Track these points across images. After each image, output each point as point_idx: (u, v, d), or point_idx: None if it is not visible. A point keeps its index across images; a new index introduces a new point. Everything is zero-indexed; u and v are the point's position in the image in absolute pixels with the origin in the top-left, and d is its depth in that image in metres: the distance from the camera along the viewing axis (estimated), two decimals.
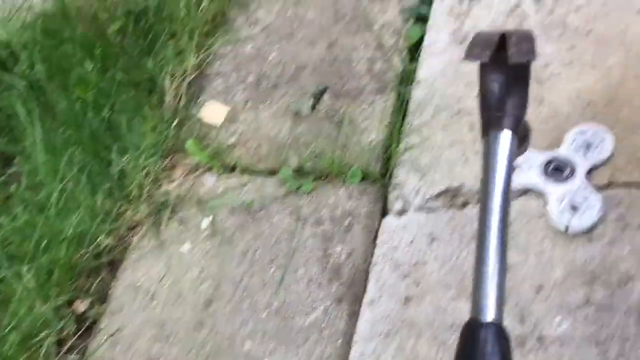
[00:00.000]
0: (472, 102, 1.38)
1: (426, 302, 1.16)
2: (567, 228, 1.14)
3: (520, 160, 1.24)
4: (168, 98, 1.56)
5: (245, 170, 1.45)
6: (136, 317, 1.31)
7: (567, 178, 1.18)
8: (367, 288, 1.22)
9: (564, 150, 1.22)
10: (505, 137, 0.87)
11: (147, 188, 1.44)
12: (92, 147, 1.49)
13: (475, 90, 1.40)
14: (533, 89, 1.36)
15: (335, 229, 1.32)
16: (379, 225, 1.29)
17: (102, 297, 1.36)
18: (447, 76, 1.44)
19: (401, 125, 1.41)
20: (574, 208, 1.15)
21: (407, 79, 1.48)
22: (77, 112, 1.53)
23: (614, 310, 1.05)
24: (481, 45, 0.85)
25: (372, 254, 1.26)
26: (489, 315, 0.70)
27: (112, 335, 1.29)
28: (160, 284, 1.34)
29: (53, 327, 1.28)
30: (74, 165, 1.45)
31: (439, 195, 1.28)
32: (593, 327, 1.04)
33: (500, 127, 0.88)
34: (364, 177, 1.37)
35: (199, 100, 1.60)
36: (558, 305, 1.08)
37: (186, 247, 1.37)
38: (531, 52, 0.84)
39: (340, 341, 1.18)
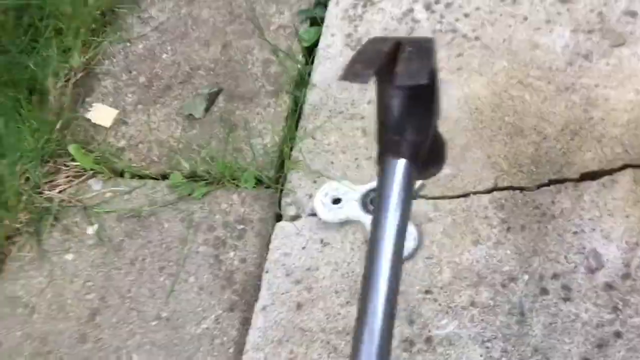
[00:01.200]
0: (365, 107, 1.39)
1: (318, 308, 1.15)
2: None
3: (341, 193, 1.26)
4: (51, 99, 1.48)
5: (135, 175, 1.40)
6: (15, 332, 1.23)
7: None
8: (260, 295, 1.20)
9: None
10: (401, 166, 0.78)
11: (27, 195, 1.35)
12: None
13: (368, 94, 1.41)
14: None
15: (228, 235, 1.29)
16: (272, 230, 1.28)
17: None
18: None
19: (295, 130, 1.40)
20: None
21: (301, 82, 1.47)
22: None
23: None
24: (365, 62, 0.72)
25: (265, 260, 1.24)
26: None
27: None
28: (42, 295, 1.27)
29: None
30: None
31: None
32: (478, 327, 1.07)
33: (397, 154, 0.78)
34: (258, 182, 1.35)
35: (86, 102, 1.52)
36: (446, 307, 1.11)
37: (70, 256, 1.30)
38: (422, 73, 0.72)
39: (231, 350, 1.16)
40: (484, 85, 1.36)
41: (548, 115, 1.29)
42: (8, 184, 1.35)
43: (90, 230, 1.33)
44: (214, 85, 1.51)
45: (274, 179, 1.34)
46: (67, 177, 1.39)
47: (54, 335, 1.22)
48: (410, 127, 0.79)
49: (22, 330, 1.23)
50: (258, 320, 1.17)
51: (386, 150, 0.78)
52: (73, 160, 1.41)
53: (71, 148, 1.39)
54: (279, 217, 1.30)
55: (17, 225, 1.33)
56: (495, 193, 1.21)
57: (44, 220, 1.34)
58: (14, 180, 1.34)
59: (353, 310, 1.14)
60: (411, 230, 1.18)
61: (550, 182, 1.21)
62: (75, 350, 1.20)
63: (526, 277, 1.11)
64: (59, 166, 1.41)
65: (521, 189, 1.21)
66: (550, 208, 1.17)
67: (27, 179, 1.37)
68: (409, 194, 0.79)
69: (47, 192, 1.36)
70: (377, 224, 0.74)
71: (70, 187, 1.38)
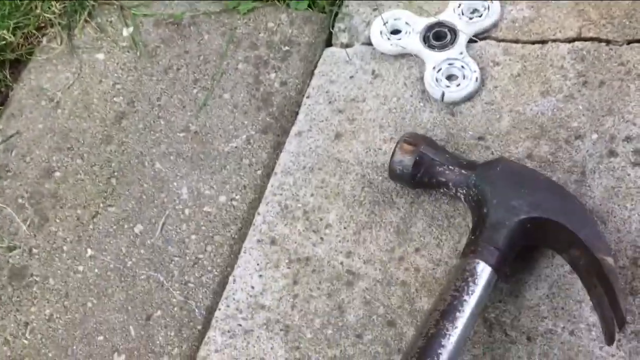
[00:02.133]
0: None
1: (358, 140, 1.06)
2: (442, 97, 1.04)
3: (402, 24, 1.13)
4: None
5: None
6: (37, 124, 1.17)
7: (447, 45, 1.07)
8: (297, 119, 1.10)
9: (447, 16, 1.10)
10: (488, 273, 0.83)
11: None
12: None
13: None
14: None
15: (271, 55, 1.18)
16: (320, 56, 1.16)
17: (0, 98, 1.21)
18: None
19: None
20: (451, 77, 1.05)
21: None
22: None
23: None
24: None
25: (307, 86, 1.14)
26: None
27: (8, 138, 1.16)
28: (68, 92, 1.19)
29: None
30: None
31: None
32: None
33: (487, 262, 0.83)
34: (311, 5, 1.22)
35: None
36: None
37: (101, 56, 1.22)
38: (607, 249, 0.85)
39: (259, 172, 1.08)
40: None
41: None
42: None
43: (125, 32, 1.23)
44: None
45: (329, 2, 1.21)
46: None
47: (76, 133, 1.15)
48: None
49: (43, 124, 1.17)
50: (291, 145, 1.08)
51: (479, 254, 0.84)
52: None
53: None
54: (328, 44, 1.18)
55: (50, 16, 1.24)
56: (577, 43, 1.06)
57: (77, 15, 1.24)
58: None
59: None
60: (474, 69, 1.05)
61: None
62: (97, 151, 1.13)
63: (595, 136, 0.98)
64: None
65: (608, 42, 1.06)
66: (636, 66, 1.03)
67: None
68: (485, 303, 0.84)
69: None
70: (447, 320, 0.79)
71: None
